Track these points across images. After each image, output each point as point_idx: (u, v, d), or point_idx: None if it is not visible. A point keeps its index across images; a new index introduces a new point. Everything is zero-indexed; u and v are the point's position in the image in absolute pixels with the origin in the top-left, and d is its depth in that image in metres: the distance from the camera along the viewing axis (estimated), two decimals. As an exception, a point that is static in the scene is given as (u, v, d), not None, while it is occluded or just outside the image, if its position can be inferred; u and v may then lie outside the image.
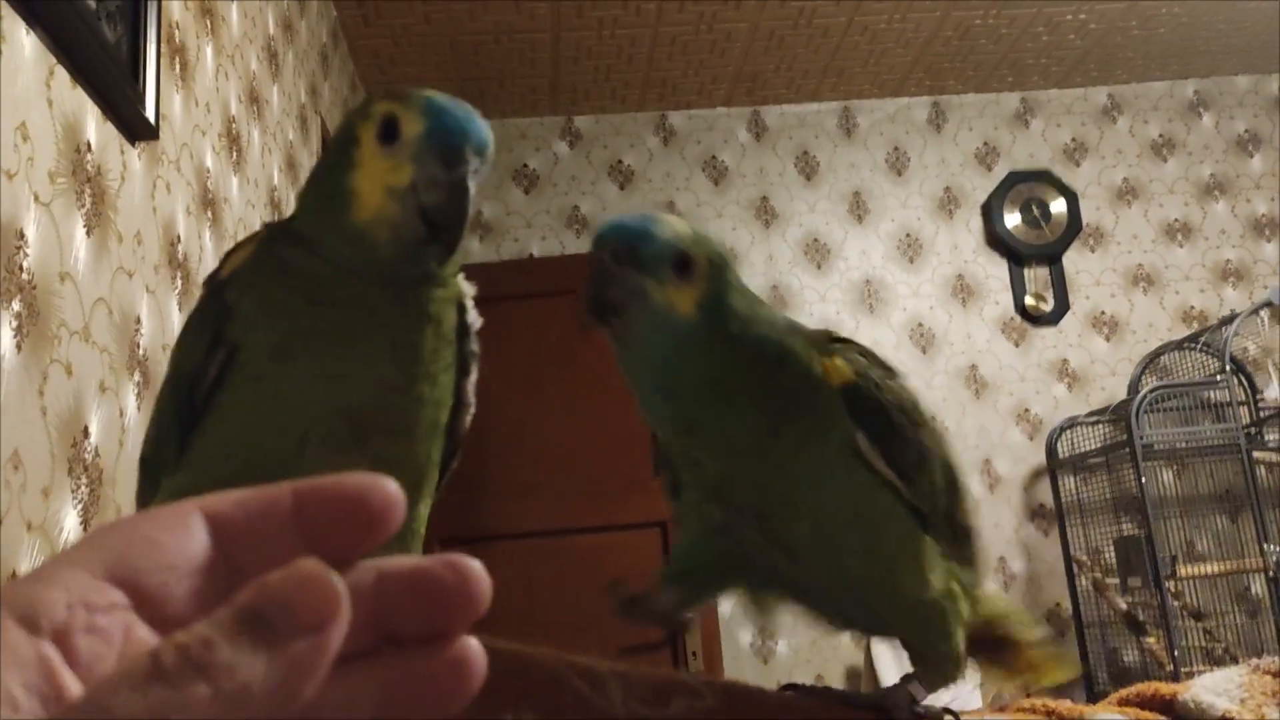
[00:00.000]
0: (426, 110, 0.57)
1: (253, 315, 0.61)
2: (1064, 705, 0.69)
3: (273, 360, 0.61)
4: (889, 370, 0.69)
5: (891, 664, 3.41)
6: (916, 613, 0.67)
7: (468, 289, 0.70)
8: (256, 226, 2.18)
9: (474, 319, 0.70)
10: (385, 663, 0.26)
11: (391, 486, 0.26)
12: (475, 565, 0.26)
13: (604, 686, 0.57)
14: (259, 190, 2.25)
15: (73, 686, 0.23)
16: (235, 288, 0.63)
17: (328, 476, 0.27)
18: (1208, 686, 0.71)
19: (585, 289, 0.61)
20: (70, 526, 1.23)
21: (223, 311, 0.62)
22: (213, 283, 0.65)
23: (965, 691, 3.33)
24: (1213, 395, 3.52)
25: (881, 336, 3.91)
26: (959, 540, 0.70)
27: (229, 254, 0.66)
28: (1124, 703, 0.74)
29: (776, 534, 0.65)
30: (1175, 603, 3.20)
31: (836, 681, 3.62)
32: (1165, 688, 0.72)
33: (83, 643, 0.23)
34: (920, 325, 3.94)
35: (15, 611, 0.23)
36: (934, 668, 0.67)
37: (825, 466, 0.64)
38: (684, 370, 0.62)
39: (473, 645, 0.27)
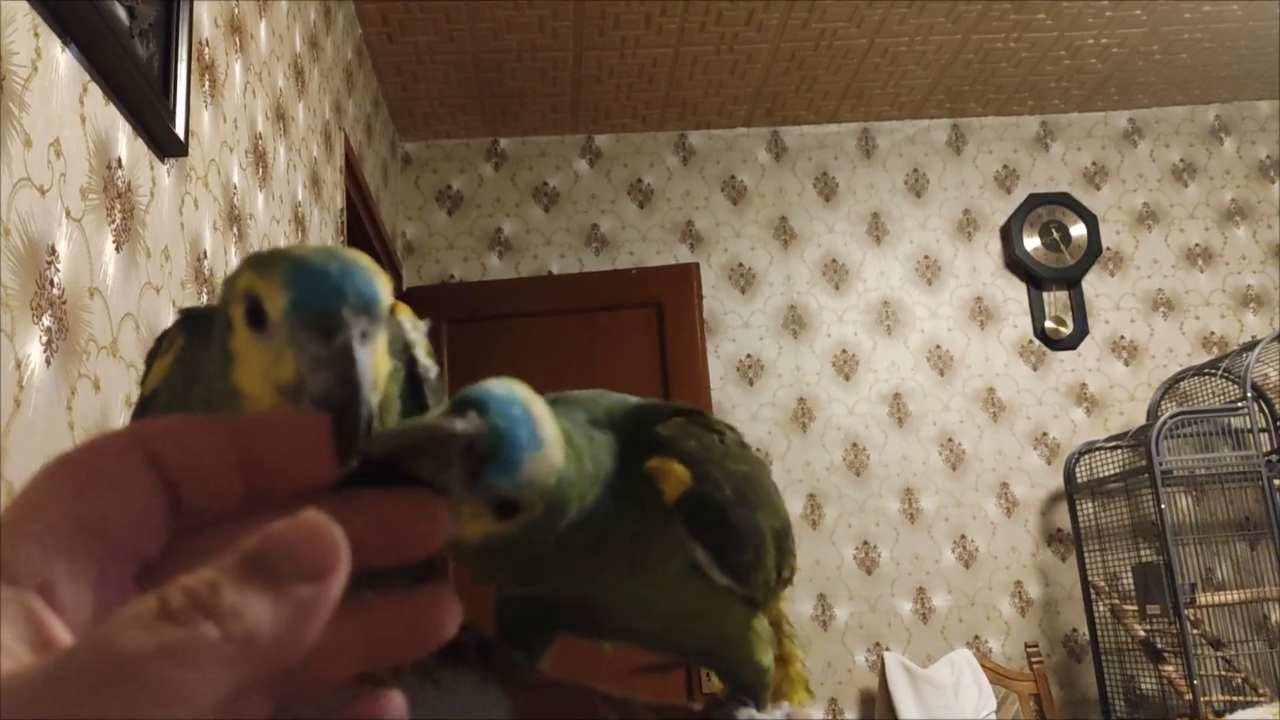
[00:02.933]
0: (287, 280, 0.45)
1: None
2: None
3: None
4: (723, 434, 0.61)
5: (906, 686, 3.39)
6: (743, 665, 0.64)
7: (413, 334, 0.58)
8: (280, 242, 2.20)
9: (427, 369, 0.58)
10: (368, 607, 0.27)
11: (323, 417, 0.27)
12: (433, 499, 0.28)
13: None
14: (284, 206, 2.27)
15: (62, 635, 0.23)
16: (155, 414, 0.55)
17: (266, 413, 0.28)
18: (1242, 724, 0.70)
19: (395, 435, 0.41)
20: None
21: None
22: (140, 398, 0.59)
23: (980, 716, 3.30)
24: (1232, 422, 3.49)
25: (899, 358, 3.90)
26: (781, 590, 0.66)
27: (150, 360, 0.58)
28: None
29: (600, 626, 0.60)
30: (1194, 631, 3.17)
31: (850, 706, 3.60)
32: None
33: (65, 592, 0.24)
34: (938, 347, 3.93)
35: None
36: (758, 688, 0.66)
37: (663, 584, 0.58)
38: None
39: (446, 589, 0.28)
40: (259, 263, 0.46)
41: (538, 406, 0.47)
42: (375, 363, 0.43)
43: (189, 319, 0.56)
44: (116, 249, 1.35)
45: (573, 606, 0.59)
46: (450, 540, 0.45)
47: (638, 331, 3.66)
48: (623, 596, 0.58)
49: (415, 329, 0.59)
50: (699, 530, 0.56)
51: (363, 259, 0.46)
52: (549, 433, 0.47)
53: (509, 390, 0.47)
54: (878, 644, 3.65)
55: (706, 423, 0.61)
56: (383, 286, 0.45)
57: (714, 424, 0.62)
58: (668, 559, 0.57)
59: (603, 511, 0.52)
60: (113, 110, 1.37)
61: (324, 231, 2.67)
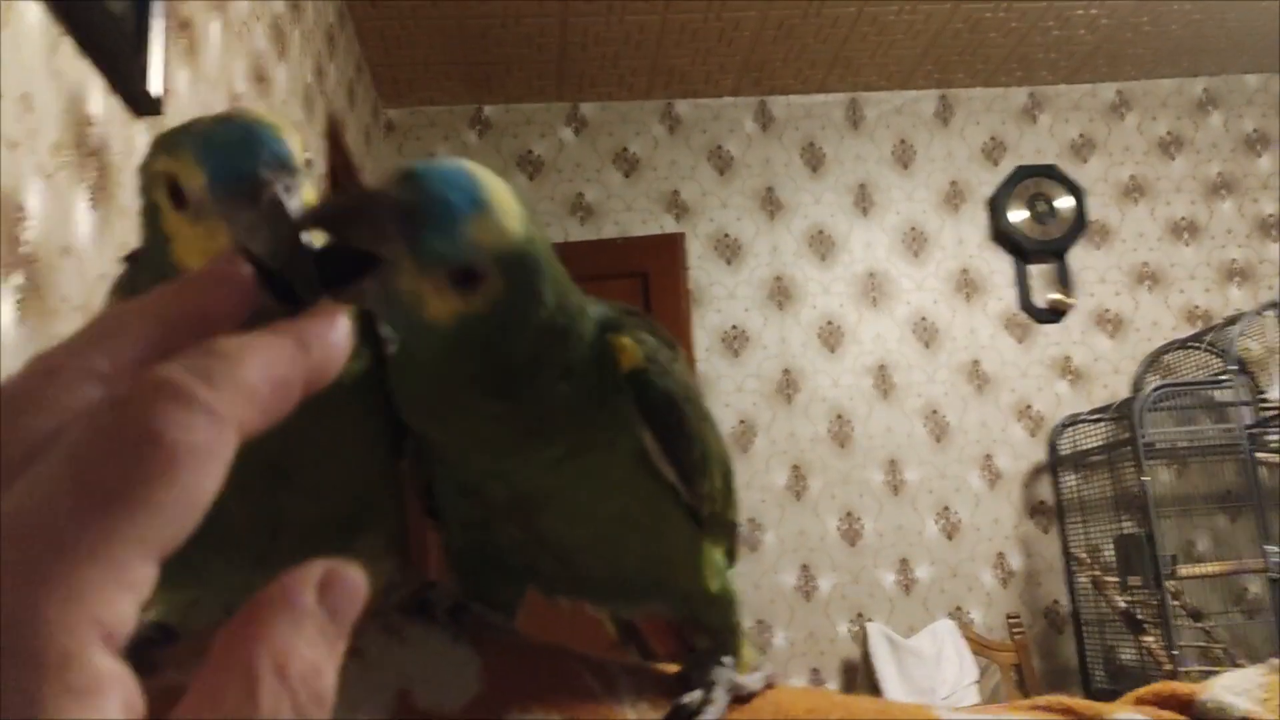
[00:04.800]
0: (199, 156, 0.45)
1: None
2: (1080, 703, 0.67)
3: None
4: (674, 350, 0.60)
5: (888, 657, 3.41)
6: (701, 603, 0.62)
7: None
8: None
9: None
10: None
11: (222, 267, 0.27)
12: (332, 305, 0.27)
13: (615, 684, 0.55)
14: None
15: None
16: None
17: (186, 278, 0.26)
18: (1227, 686, 0.70)
19: (331, 204, 0.45)
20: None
21: None
22: None
23: (962, 686, 3.33)
24: (1215, 395, 3.51)
25: (884, 330, 3.90)
26: (726, 536, 0.65)
27: (108, 298, 0.59)
28: (1140, 702, 0.72)
29: (543, 537, 0.57)
30: (1174, 602, 3.19)
31: (832, 675, 3.62)
32: (1183, 687, 0.70)
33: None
34: (923, 319, 3.92)
35: (98, 630, 0.19)
36: (732, 649, 0.64)
37: (605, 474, 0.56)
38: (423, 367, 0.51)
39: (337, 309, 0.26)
40: (168, 144, 0.47)
41: (489, 179, 0.46)
42: (297, 209, 0.43)
43: (130, 256, 0.56)
44: (91, 207, 1.32)
45: (512, 508, 0.56)
46: (425, 333, 0.46)
47: (623, 301, 3.63)
48: (565, 484, 0.55)
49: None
50: (648, 409, 0.55)
51: (266, 117, 0.46)
52: (497, 200, 0.46)
53: (454, 163, 0.46)
54: (860, 615, 3.67)
55: (668, 339, 0.60)
56: (293, 139, 0.46)
57: (673, 341, 0.61)
58: (614, 438, 0.55)
59: (548, 379, 0.51)
60: (85, 66, 1.33)
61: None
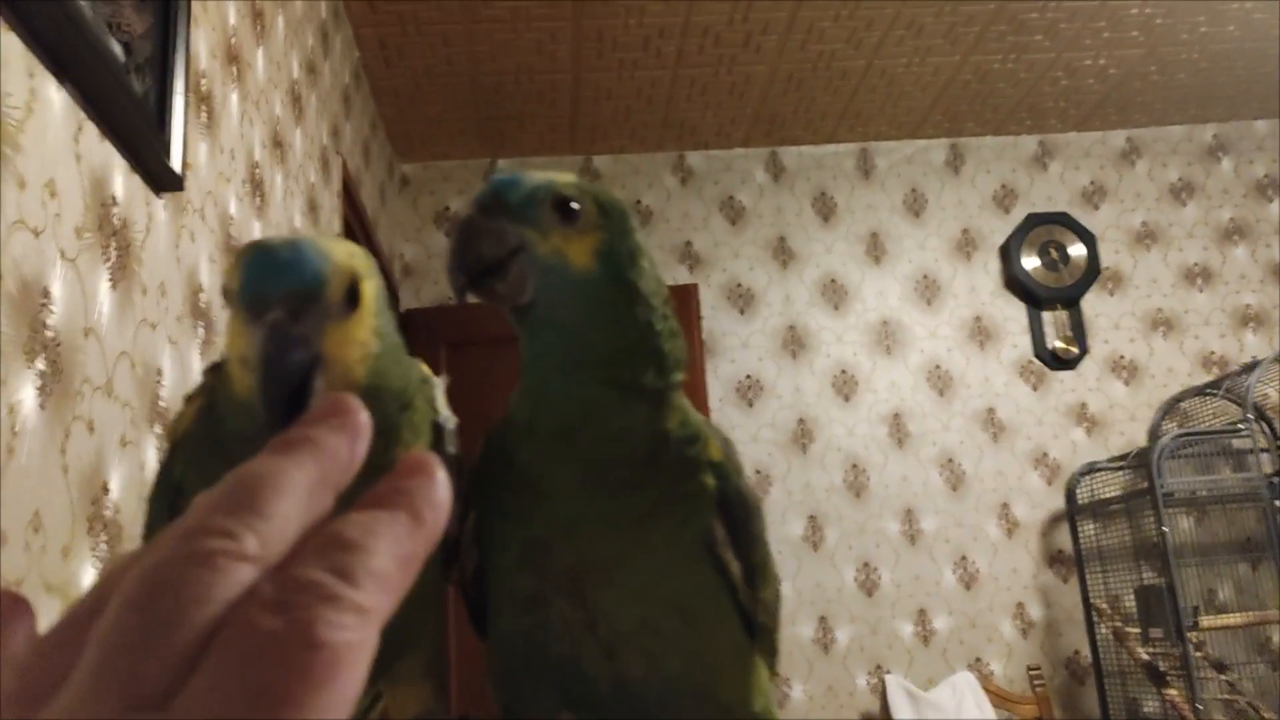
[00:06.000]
0: (243, 265, 0.49)
1: (197, 491, 0.54)
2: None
3: None
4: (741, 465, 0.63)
5: (908, 710, 3.36)
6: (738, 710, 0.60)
7: (437, 388, 0.60)
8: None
9: (446, 419, 0.60)
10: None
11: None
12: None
13: None
14: (281, 234, 2.26)
15: None
16: (181, 460, 0.59)
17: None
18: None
19: (453, 251, 0.52)
20: (89, 586, 1.22)
21: (173, 486, 0.59)
22: (170, 444, 0.61)
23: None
24: (1233, 443, 3.48)
25: (899, 378, 3.89)
26: (771, 656, 0.64)
27: (186, 403, 0.61)
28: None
29: (595, 617, 0.57)
30: (1197, 654, 3.15)
31: (852, 729, 3.58)
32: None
33: None
34: (938, 367, 3.92)
35: None
36: None
37: (671, 553, 0.57)
38: (591, 335, 0.54)
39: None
40: (239, 251, 0.51)
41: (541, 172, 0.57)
42: (312, 341, 0.47)
43: (213, 367, 0.60)
44: (112, 287, 1.34)
45: (572, 578, 0.57)
46: (583, 288, 0.54)
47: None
48: (632, 551, 0.56)
49: (436, 384, 0.62)
50: (723, 499, 0.57)
51: (324, 245, 0.50)
52: (547, 173, 0.56)
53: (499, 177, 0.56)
54: (879, 666, 3.63)
55: (727, 439, 0.64)
56: (334, 267, 0.49)
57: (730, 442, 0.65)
58: (689, 515, 0.57)
59: (640, 431, 0.56)
60: (108, 148, 1.35)
61: (321, 257, 2.65)
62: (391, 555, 0.24)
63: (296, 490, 0.25)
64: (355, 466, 0.27)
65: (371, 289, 0.50)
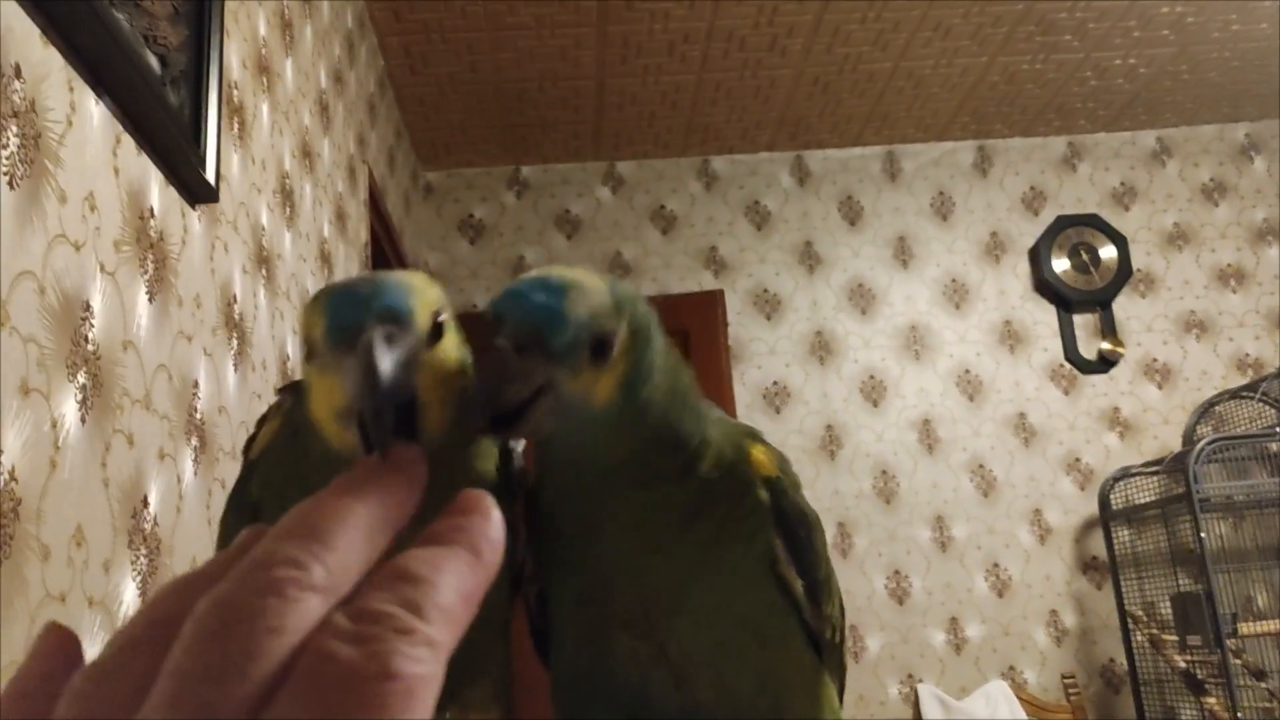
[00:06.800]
0: (323, 308, 0.47)
1: (275, 514, 0.54)
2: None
3: None
4: (797, 477, 0.62)
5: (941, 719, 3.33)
6: None
7: None
8: (307, 282, 2.18)
9: (514, 445, 0.60)
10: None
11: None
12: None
13: None
14: (310, 244, 2.25)
15: None
16: (259, 478, 0.58)
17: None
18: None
19: (481, 386, 0.47)
20: (129, 599, 1.21)
21: (248, 505, 0.58)
22: (245, 460, 0.61)
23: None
24: (1271, 446, 3.43)
25: (928, 384, 3.86)
26: (839, 675, 0.64)
27: (260, 423, 0.60)
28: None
29: (663, 646, 0.56)
30: (1236, 661, 3.10)
31: (884, 738, 3.54)
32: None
33: None
34: (967, 372, 3.88)
35: None
36: None
37: (737, 575, 0.56)
38: (597, 456, 0.53)
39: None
40: (312, 299, 0.49)
41: (564, 269, 0.51)
42: (410, 362, 0.45)
43: (288, 388, 0.60)
44: (149, 300, 1.33)
45: (636, 613, 0.56)
46: (604, 423, 0.50)
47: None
48: (698, 578, 0.55)
49: None
50: (781, 516, 0.56)
51: (403, 277, 0.48)
52: (575, 276, 0.50)
53: (527, 277, 0.50)
54: (910, 675, 3.59)
55: (788, 461, 0.62)
56: (418, 296, 0.47)
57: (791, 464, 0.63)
58: (752, 537, 0.56)
59: (691, 458, 0.54)
60: (145, 160, 1.35)
61: (349, 266, 2.65)
62: (455, 590, 0.25)
63: (360, 525, 0.26)
64: (413, 509, 0.29)
65: (450, 316, 0.49)
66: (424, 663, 0.22)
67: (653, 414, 0.52)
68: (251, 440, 0.60)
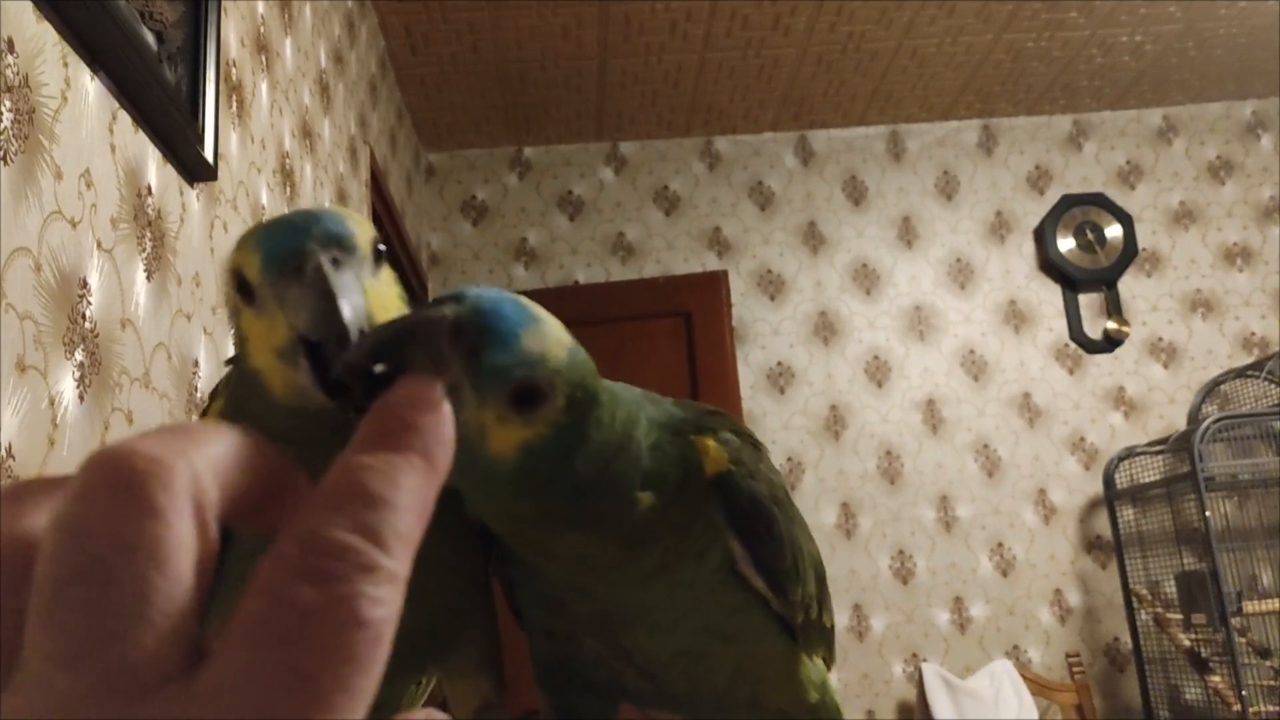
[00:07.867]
0: (257, 242, 0.44)
1: None
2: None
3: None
4: (759, 450, 0.58)
5: (945, 698, 3.33)
6: (801, 716, 0.59)
7: None
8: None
9: None
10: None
11: None
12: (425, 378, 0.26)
13: None
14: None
15: None
16: None
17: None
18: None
19: (379, 330, 0.38)
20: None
21: None
22: None
23: (1023, 730, 3.24)
24: (1276, 425, 3.41)
25: (932, 364, 3.85)
26: (823, 642, 0.63)
27: (210, 400, 0.58)
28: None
29: (627, 652, 0.55)
30: (1241, 640, 3.10)
31: (888, 718, 3.55)
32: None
33: None
34: (972, 352, 3.87)
35: None
36: None
37: (693, 587, 0.53)
38: (489, 504, 0.48)
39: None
40: (239, 240, 0.47)
41: (530, 302, 0.44)
42: (360, 288, 0.42)
43: (233, 359, 0.56)
44: (147, 278, 1.33)
45: (595, 623, 0.54)
46: (487, 472, 0.43)
47: (666, 341, 3.62)
48: (651, 598, 0.53)
49: None
50: (735, 516, 0.52)
51: (336, 209, 0.46)
52: (543, 314, 0.44)
53: (496, 289, 0.43)
54: (915, 655, 3.60)
55: (753, 438, 0.59)
56: (357, 224, 0.45)
57: (755, 439, 0.59)
58: (704, 553, 0.52)
59: (643, 477, 0.49)
60: (142, 137, 1.34)
61: (352, 247, 2.64)
62: (414, 511, 0.22)
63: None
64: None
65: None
66: (388, 604, 0.20)
67: (562, 487, 0.46)
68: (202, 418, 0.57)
